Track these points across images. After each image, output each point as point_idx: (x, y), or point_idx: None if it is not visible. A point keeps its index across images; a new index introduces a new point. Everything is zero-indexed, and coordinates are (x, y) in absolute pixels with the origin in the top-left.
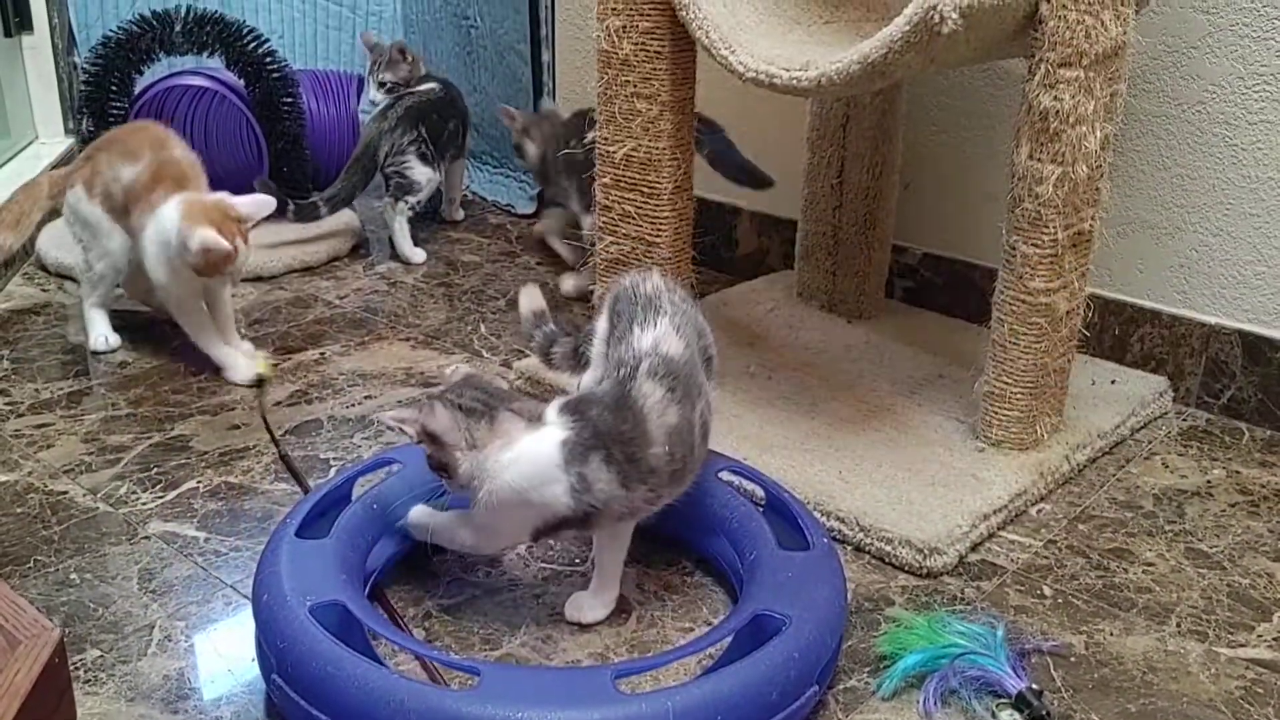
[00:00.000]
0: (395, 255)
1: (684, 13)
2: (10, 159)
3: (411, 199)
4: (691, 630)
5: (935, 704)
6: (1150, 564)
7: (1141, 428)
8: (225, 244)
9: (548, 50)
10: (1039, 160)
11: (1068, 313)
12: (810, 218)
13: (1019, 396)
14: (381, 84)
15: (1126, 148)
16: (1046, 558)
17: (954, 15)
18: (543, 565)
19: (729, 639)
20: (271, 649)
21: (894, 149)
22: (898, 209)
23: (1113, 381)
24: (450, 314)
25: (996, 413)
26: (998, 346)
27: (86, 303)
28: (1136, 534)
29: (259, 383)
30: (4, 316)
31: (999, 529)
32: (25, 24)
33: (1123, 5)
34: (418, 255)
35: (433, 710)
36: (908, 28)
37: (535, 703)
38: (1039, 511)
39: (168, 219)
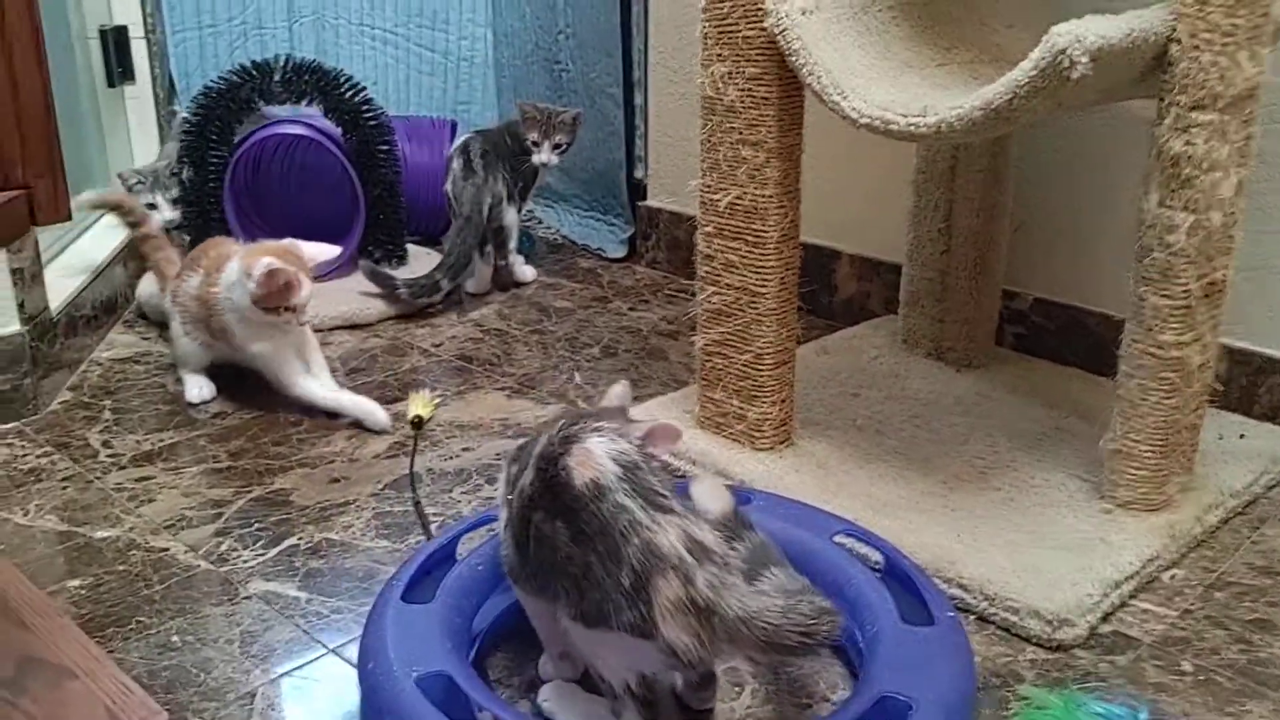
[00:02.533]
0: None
1: (794, 58)
2: None
3: (512, 244)
4: (809, 707)
5: None
6: None
7: (1274, 486)
8: (286, 267)
9: (640, 93)
10: (1170, 208)
11: (1200, 366)
12: (916, 262)
13: (1149, 455)
14: (557, 146)
15: (1255, 189)
16: (1184, 629)
17: (1084, 59)
18: None
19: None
20: None
21: (1005, 191)
22: (1007, 252)
23: (1241, 436)
24: (545, 362)
25: (1124, 472)
26: (1125, 403)
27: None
28: (1279, 603)
29: (418, 424)
30: (106, 365)
31: (1131, 597)
32: (128, 74)
33: (1258, 45)
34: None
35: None
36: (1034, 72)
37: None
38: (1172, 578)
39: (232, 270)
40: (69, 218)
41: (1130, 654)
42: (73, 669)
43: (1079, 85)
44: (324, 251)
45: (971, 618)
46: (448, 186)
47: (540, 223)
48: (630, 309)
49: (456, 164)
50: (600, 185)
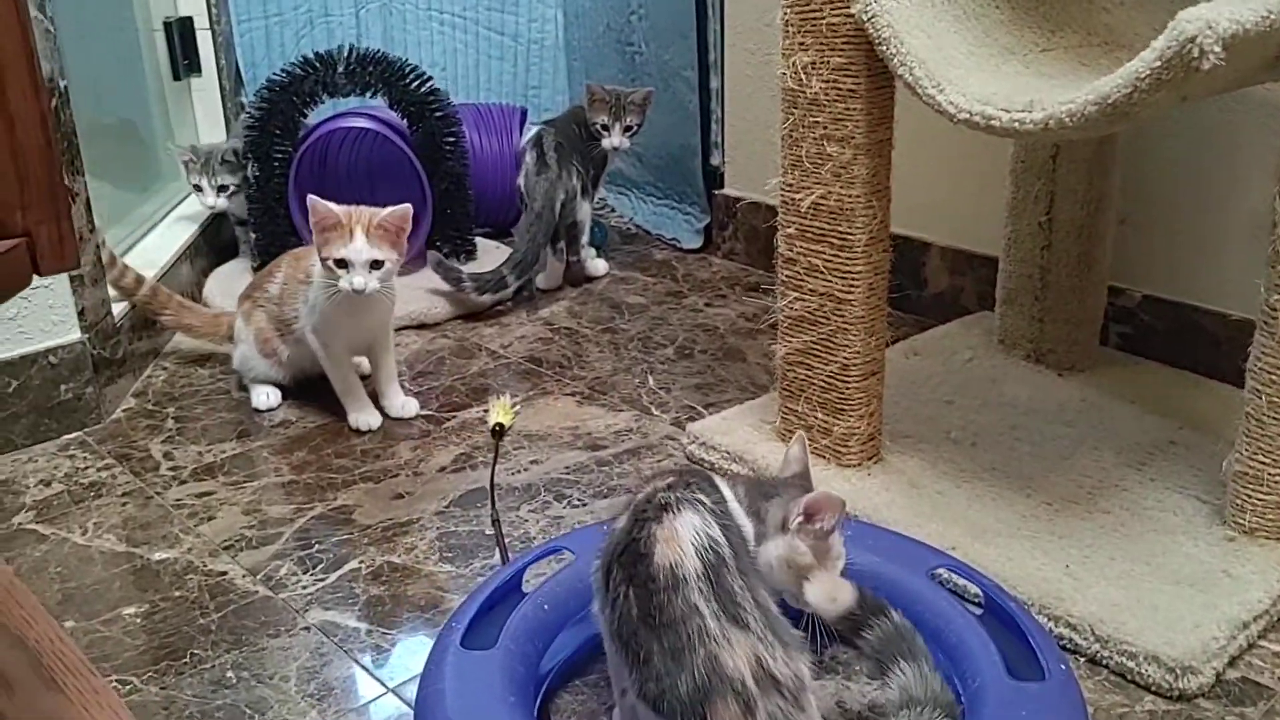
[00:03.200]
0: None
1: (883, 47)
2: (181, 200)
3: (584, 239)
4: None
5: None
6: None
7: None
8: (333, 206)
9: (716, 76)
10: None
11: None
12: (1015, 258)
13: (1278, 478)
14: (627, 129)
15: None
16: None
17: (1216, 49)
18: None
19: None
20: None
21: (1111, 182)
22: (1113, 246)
23: None
24: (616, 364)
25: (1250, 496)
26: (1253, 420)
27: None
28: None
29: (499, 432)
30: (171, 369)
31: (1259, 638)
32: (194, 67)
33: None
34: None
35: None
36: (1158, 63)
37: None
38: None
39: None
40: (76, 266)
41: (1263, 705)
42: None
43: (1209, 76)
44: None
45: (1081, 660)
46: (520, 180)
47: (613, 211)
48: (706, 304)
49: (530, 158)
50: (675, 172)
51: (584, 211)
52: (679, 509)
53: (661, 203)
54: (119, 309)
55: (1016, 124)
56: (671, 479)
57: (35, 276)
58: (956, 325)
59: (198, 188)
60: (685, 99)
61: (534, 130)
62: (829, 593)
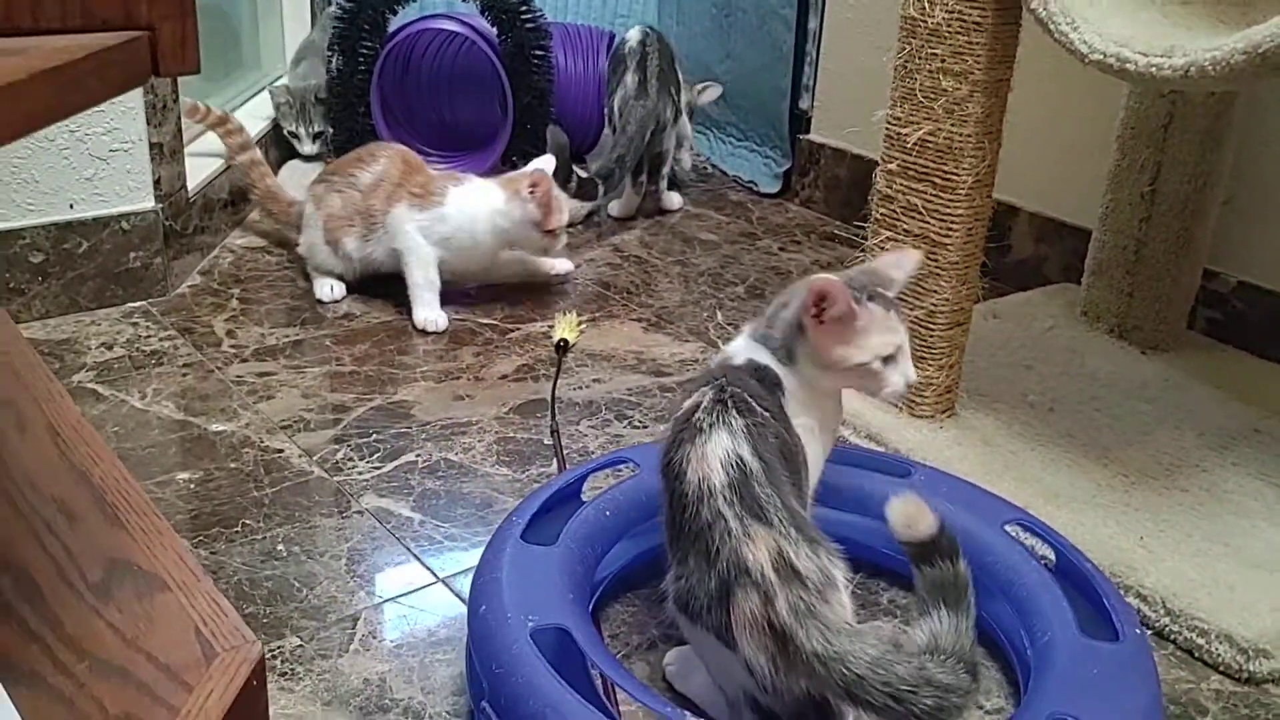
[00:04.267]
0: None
1: None
2: (261, 89)
3: (665, 169)
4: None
5: None
6: None
7: None
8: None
9: (815, 16)
10: None
11: None
12: (1110, 228)
13: None
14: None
15: None
16: None
17: None
18: None
19: None
20: (485, 671)
21: (1222, 158)
22: (1214, 228)
23: None
24: (685, 296)
25: None
26: None
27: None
28: None
29: (563, 347)
30: (239, 253)
31: None
32: None
33: None
34: (676, 200)
35: None
36: None
37: None
38: None
39: (494, 198)
40: (197, 69)
41: None
42: (166, 580)
43: None
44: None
45: (1148, 633)
46: (615, 100)
47: (690, 148)
48: (780, 249)
49: (631, 80)
50: (760, 115)
51: (670, 143)
52: (711, 432)
53: (741, 144)
54: (194, 185)
55: (1154, 69)
56: (711, 397)
57: (154, 75)
58: (1039, 293)
59: (294, 135)
60: (780, 38)
61: (638, 40)
62: (909, 515)
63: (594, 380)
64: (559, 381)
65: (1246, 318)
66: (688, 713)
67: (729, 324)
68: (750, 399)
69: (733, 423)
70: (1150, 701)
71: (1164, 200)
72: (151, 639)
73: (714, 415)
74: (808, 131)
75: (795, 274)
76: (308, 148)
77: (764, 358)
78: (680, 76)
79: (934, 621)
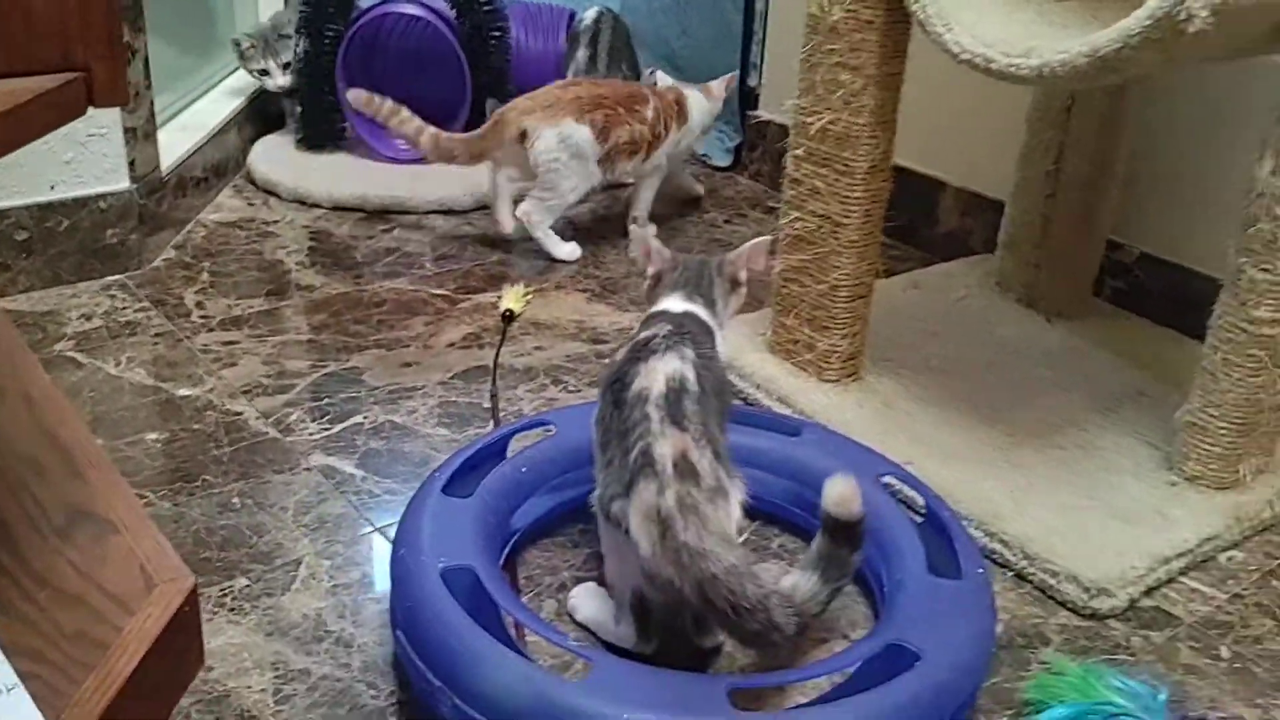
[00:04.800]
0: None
1: None
2: (235, 70)
3: None
4: (827, 642)
5: None
6: None
7: None
8: None
9: None
10: None
11: None
12: (1020, 203)
13: (1223, 432)
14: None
15: None
16: (1229, 614)
17: (1203, 13)
18: None
19: (858, 665)
20: (400, 605)
21: (1121, 139)
22: (1120, 202)
23: None
24: (630, 269)
25: (1196, 446)
26: (1207, 375)
27: (543, 227)
28: None
29: (509, 317)
30: (211, 227)
31: (1181, 574)
32: None
33: None
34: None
35: (539, 695)
36: (1148, 22)
37: (643, 704)
38: (1229, 560)
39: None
40: (127, 102)
41: (1167, 631)
42: (117, 524)
43: (1197, 39)
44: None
45: (1010, 575)
46: (569, 74)
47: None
48: (725, 221)
49: (582, 54)
50: None
51: None
52: (665, 354)
53: None
54: (168, 164)
55: (1012, 69)
56: (669, 330)
57: (90, 107)
58: (960, 264)
59: (263, 72)
60: (730, 18)
61: (593, 18)
62: (844, 497)
63: (535, 348)
64: (502, 349)
65: (1148, 287)
66: (569, 634)
67: None
68: (698, 340)
69: (685, 353)
70: (982, 631)
71: (1066, 178)
72: (103, 573)
73: (670, 343)
74: (756, 108)
75: (735, 245)
76: (279, 79)
77: (701, 312)
78: (635, 54)
79: (803, 578)
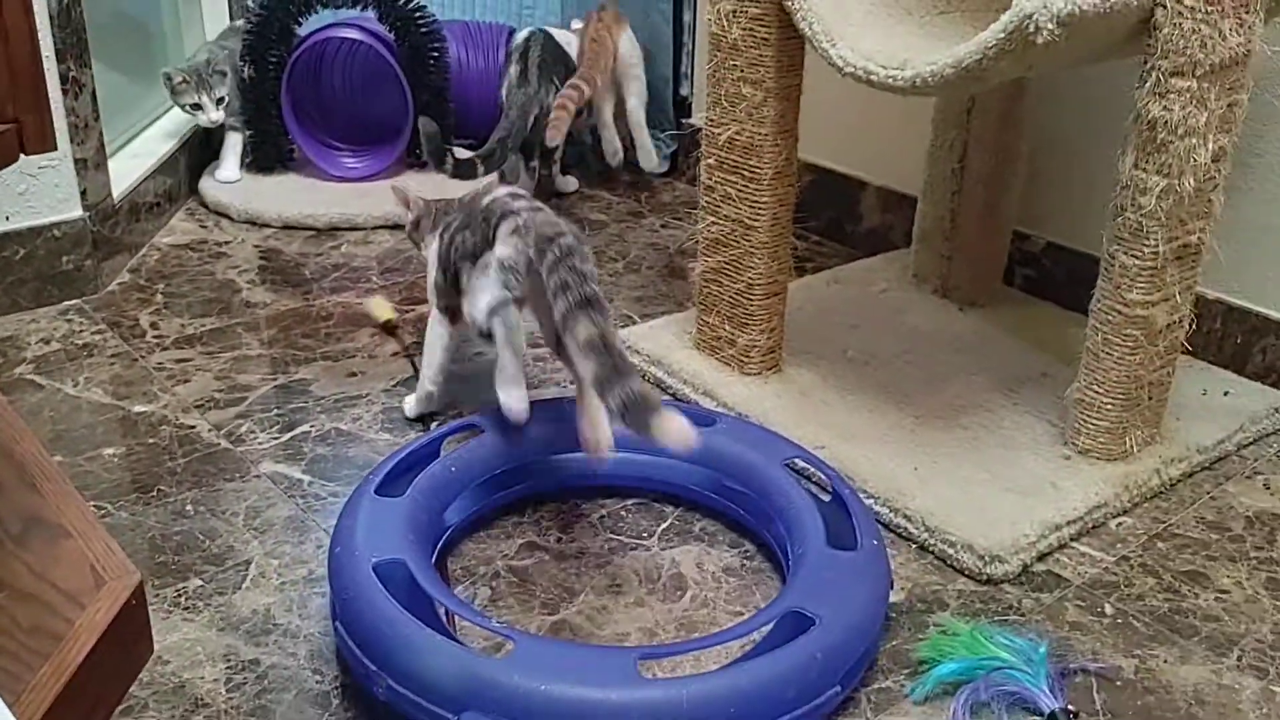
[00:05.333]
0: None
1: (789, 2)
2: None
3: (556, 156)
4: (741, 614)
5: (965, 715)
6: (1224, 591)
7: (1250, 444)
8: None
9: (689, 10)
10: (1144, 171)
11: (1168, 326)
12: (930, 199)
13: (1109, 407)
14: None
15: (1265, 149)
16: (1115, 575)
17: (1050, 25)
18: (610, 536)
19: (765, 629)
20: (337, 598)
21: (1019, 135)
22: (1025, 194)
23: (1226, 393)
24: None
25: (1085, 421)
26: (1091, 355)
27: None
28: (1218, 558)
29: (391, 328)
30: (164, 250)
31: (1072, 540)
32: None
33: (1247, 14)
34: (571, 184)
35: (464, 672)
36: (1002, 34)
37: (558, 677)
38: (1119, 525)
39: None
40: (54, 148)
41: (1056, 593)
42: (69, 529)
43: (1048, 50)
44: None
45: (913, 547)
46: (503, 91)
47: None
48: (662, 225)
49: (513, 70)
50: (650, 100)
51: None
52: (515, 205)
53: None
54: (120, 191)
55: (890, 80)
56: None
57: (22, 154)
58: (879, 259)
59: (196, 106)
60: (660, 30)
61: (524, 38)
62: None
63: (476, 354)
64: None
65: (1054, 274)
66: (493, 618)
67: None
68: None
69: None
70: (875, 596)
71: (970, 175)
72: (56, 573)
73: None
74: (689, 115)
75: (671, 249)
76: (213, 114)
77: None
78: (567, 68)
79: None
